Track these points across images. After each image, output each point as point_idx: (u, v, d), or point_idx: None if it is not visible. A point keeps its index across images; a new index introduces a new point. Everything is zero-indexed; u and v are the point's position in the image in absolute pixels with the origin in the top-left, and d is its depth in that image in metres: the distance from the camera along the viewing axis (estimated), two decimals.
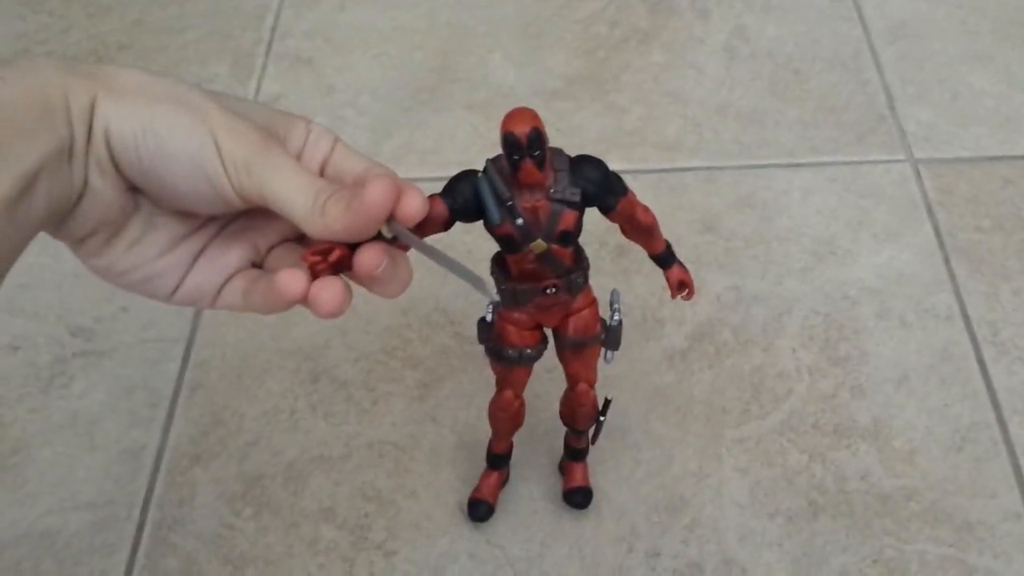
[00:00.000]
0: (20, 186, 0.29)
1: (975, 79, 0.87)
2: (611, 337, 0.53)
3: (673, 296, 0.50)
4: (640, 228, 0.47)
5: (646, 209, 0.46)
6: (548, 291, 0.47)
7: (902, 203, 0.78)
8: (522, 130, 0.39)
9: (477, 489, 0.62)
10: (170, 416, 0.68)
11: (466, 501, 0.62)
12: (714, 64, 0.90)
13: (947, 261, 0.74)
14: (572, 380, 0.54)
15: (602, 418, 0.57)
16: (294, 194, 0.32)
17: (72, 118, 0.30)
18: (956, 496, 0.61)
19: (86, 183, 0.31)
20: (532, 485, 0.63)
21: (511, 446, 0.60)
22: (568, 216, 0.43)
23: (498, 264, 0.47)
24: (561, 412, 0.57)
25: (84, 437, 0.67)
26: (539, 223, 0.43)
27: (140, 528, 0.63)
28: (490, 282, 0.37)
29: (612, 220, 0.46)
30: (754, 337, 0.70)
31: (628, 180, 0.46)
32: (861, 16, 0.93)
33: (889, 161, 0.81)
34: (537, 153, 0.40)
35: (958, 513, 0.61)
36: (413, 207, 0.32)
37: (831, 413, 0.66)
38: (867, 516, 0.61)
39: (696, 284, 0.72)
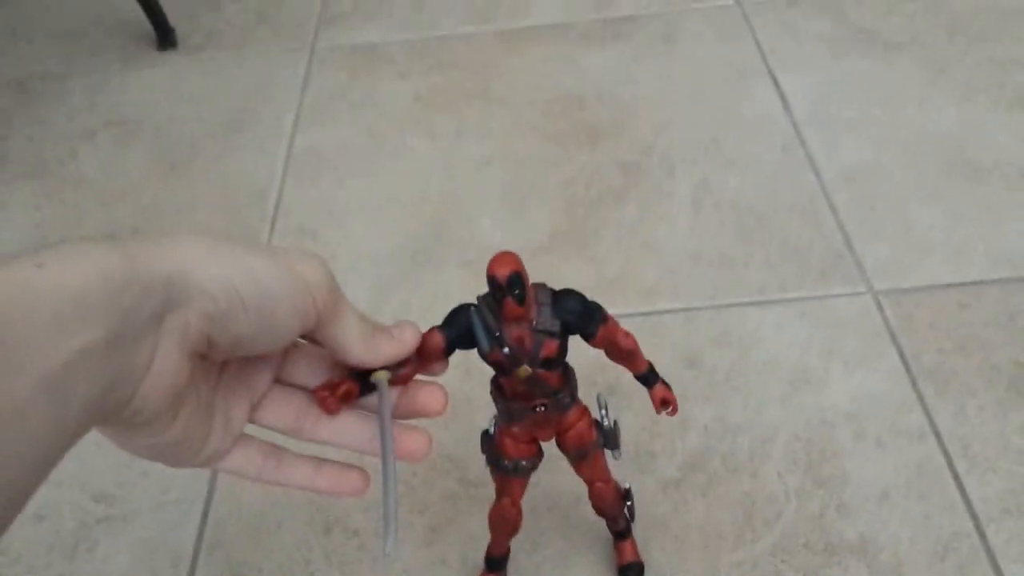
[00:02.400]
0: (43, 388, 0.26)
1: (924, 214, 0.95)
2: (610, 439, 0.57)
3: (658, 412, 0.55)
4: (621, 352, 0.51)
5: (627, 334, 0.51)
6: (538, 409, 0.52)
7: (867, 331, 0.84)
8: (503, 273, 0.44)
9: None
10: (192, 574, 0.71)
11: None
12: (683, 215, 0.98)
13: (914, 383, 0.79)
14: (587, 482, 0.60)
15: (629, 502, 0.64)
16: (357, 323, 0.38)
17: (130, 300, 0.29)
18: None
19: (151, 361, 0.31)
20: None
21: (508, 550, 0.66)
22: (550, 344, 0.48)
23: (495, 384, 0.52)
24: (592, 506, 0.62)
25: None
26: (525, 351, 0.48)
27: None
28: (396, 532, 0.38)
29: (594, 346, 0.50)
30: (742, 464, 0.74)
31: None
32: (814, 165, 1.02)
33: (852, 294, 0.87)
34: (517, 292, 0.44)
35: None
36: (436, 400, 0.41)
37: (820, 532, 0.69)
38: None
39: (683, 416, 0.77)
